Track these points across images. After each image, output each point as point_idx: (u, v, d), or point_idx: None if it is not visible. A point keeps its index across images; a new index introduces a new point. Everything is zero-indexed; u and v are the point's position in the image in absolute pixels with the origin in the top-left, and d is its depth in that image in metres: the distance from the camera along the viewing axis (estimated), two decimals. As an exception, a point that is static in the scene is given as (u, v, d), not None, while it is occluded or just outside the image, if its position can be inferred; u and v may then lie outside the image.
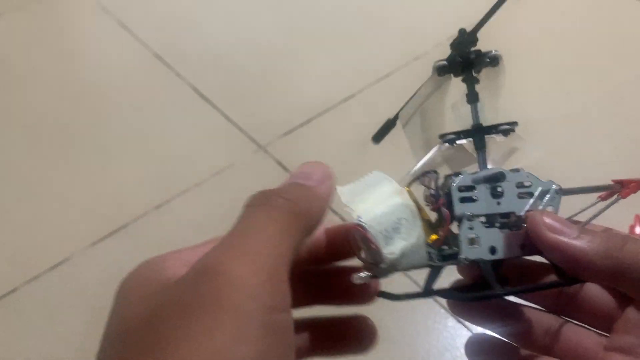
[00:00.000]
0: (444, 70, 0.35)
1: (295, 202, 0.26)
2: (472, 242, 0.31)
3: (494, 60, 0.35)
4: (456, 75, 0.35)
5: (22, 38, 1.21)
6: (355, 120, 1.04)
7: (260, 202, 0.26)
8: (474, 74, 0.35)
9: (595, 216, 0.32)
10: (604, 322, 0.33)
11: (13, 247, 0.88)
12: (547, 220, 0.30)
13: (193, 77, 1.11)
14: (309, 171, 0.29)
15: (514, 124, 0.34)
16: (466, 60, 0.34)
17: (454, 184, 0.31)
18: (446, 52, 0.36)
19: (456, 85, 0.36)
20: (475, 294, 0.32)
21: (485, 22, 0.31)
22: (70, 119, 1.06)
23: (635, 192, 0.33)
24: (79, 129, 1.04)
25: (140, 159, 1.00)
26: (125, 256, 0.84)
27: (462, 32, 0.35)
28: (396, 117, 0.37)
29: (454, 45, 0.35)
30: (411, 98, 0.36)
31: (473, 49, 0.35)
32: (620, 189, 0.33)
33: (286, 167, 0.95)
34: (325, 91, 1.08)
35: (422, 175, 0.32)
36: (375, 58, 1.12)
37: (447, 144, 0.35)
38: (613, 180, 0.33)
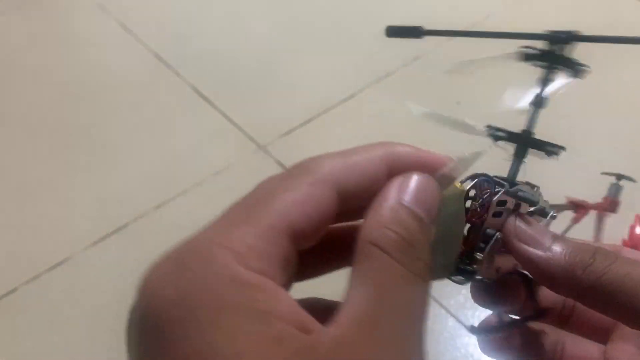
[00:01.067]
0: (530, 57, 0.31)
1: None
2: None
3: (579, 73, 0.31)
4: (536, 66, 0.32)
5: (22, 38, 1.21)
6: (355, 120, 1.04)
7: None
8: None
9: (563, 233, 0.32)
10: (601, 332, 0.32)
11: (13, 247, 0.88)
12: (519, 226, 0.28)
13: (193, 77, 1.11)
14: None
15: (562, 148, 0.31)
16: (559, 61, 0.31)
17: (495, 198, 0.28)
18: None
19: (521, 71, 0.33)
20: (502, 325, 0.30)
21: (594, 40, 0.28)
22: (70, 119, 1.06)
23: (589, 213, 0.32)
24: (79, 129, 1.04)
25: (140, 159, 1.00)
26: (126, 256, 0.84)
27: (569, 34, 0.31)
28: (426, 32, 0.33)
29: (553, 39, 0.31)
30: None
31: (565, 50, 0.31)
32: (574, 209, 0.32)
33: (286, 167, 0.95)
34: (325, 91, 1.08)
35: (473, 179, 0.28)
36: (375, 58, 1.12)
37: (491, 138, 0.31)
38: (569, 201, 0.32)
